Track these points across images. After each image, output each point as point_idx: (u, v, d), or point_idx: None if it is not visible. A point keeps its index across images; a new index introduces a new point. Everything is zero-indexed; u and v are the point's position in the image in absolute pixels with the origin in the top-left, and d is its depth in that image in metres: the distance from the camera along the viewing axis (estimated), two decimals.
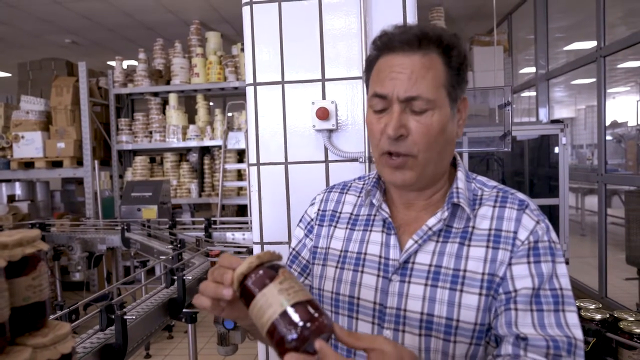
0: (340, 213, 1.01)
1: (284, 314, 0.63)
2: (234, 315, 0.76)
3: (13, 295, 0.66)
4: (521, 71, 6.75)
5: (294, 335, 0.61)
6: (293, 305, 0.63)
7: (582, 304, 1.47)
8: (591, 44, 4.43)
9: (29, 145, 5.07)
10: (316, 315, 0.63)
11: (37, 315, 0.70)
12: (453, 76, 0.87)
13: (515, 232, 0.86)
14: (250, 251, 2.76)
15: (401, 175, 0.87)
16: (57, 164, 5.16)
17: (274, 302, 0.63)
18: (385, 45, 0.88)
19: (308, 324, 0.62)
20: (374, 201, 0.95)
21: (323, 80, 1.60)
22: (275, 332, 0.63)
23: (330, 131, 1.60)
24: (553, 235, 0.87)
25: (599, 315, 1.38)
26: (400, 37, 0.86)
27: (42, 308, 0.70)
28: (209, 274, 0.72)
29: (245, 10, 1.63)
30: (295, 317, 0.62)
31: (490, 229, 0.87)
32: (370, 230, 0.95)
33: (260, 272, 0.66)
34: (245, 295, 0.67)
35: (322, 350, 0.61)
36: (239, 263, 0.68)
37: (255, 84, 1.63)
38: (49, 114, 5.28)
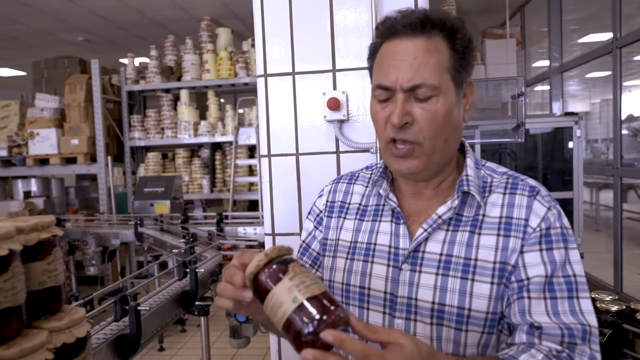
0: (349, 204, 1.01)
1: (298, 309, 0.62)
2: (251, 312, 0.76)
3: (29, 279, 0.67)
4: (534, 64, 6.66)
5: (310, 329, 0.61)
6: (307, 300, 0.62)
7: (597, 295, 1.45)
8: (606, 36, 4.34)
9: (44, 142, 5.14)
10: (331, 308, 0.63)
11: (53, 300, 0.71)
12: (458, 60, 0.85)
13: (527, 220, 0.84)
14: (261, 245, 2.77)
15: (406, 164, 0.86)
16: (71, 161, 5.23)
17: (285, 298, 0.63)
18: (388, 30, 0.87)
19: (324, 317, 0.61)
20: (380, 191, 0.95)
21: (334, 70, 1.59)
22: (291, 327, 0.63)
23: (341, 122, 1.59)
24: (565, 221, 0.86)
25: (615, 307, 1.36)
26: (402, 21, 0.85)
27: (57, 292, 0.71)
28: (223, 272, 0.73)
29: (256, 0, 1.63)
30: (310, 311, 0.62)
31: (501, 217, 0.86)
32: (380, 221, 0.94)
33: (271, 269, 0.66)
34: (259, 293, 0.67)
35: (337, 339, 0.60)
36: (251, 260, 0.68)
37: (266, 75, 1.63)
38: (63, 111, 5.34)
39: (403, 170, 0.87)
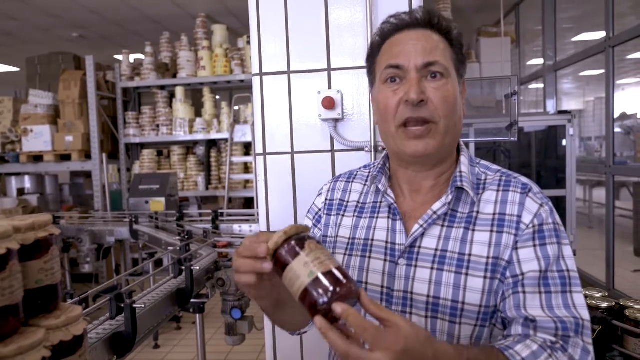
0: (347, 202, 1.03)
1: (313, 282, 0.68)
2: (260, 293, 0.79)
3: (26, 278, 0.68)
4: (529, 63, 6.69)
5: (325, 299, 0.66)
6: (322, 274, 0.68)
7: (588, 292, 1.47)
8: (599, 35, 4.38)
9: (38, 139, 5.11)
10: (344, 281, 0.68)
11: (50, 298, 0.71)
12: (457, 54, 0.91)
13: (519, 216, 0.87)
14: None
15: (423, 143, 0.88)
16: (65, 158, 5.20)
17: (302, 272, 0.69)
18: (395, 26, 0.92)
19: (337, 289, 0.67)
20: (379, 186, 0.97)
21: (329, 69, 1.60)
22: (307, 298, 0.68)
23: (336, 121, 1.60)
24: (557, 217, 0.89)
25: (605, 304, 1.38)
26: (411, 16, 0.91)
27: (54, 291, 0.72)
28: (234, 255, 0.76)
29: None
30: (324, 284, 0.67)
31: (494, 214, 0.89)
32: (377, 217, 0.97)
33: (289, 245, 0.71)
34: (278, 267, 0.73)
35: (345, 311, 0.64)
36: (269, 238, 0.73)
37: (261, 74, 1.64)
38: (57, 108, 5.31)
39: (420, 150, 0.88)
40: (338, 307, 0.65)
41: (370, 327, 0.64)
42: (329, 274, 0.68)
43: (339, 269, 0.69)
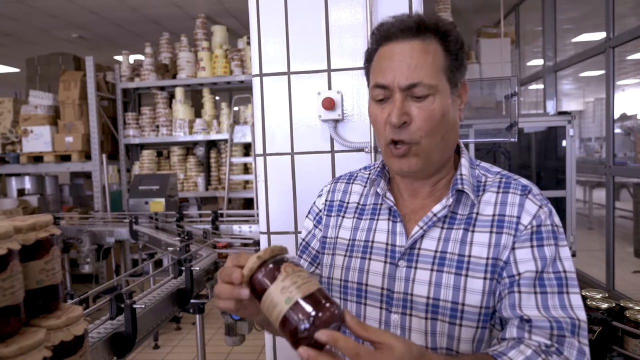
0: (348, 203, 1.03)
1: (292, 308, 0.64)
2: (250, 313, 0.77)
3: (27, 278, 0.68)
4: (529, 63, 6.70)
5: (306, 326, 0.62)
6: (300, 299, 0.64)
7: (587, 293, 1.47)
8: (600, 36, 4.39)
9: (38, 139, 5.11)
10: (326, 305, 0.64)
11: (51, 298, 0.72)
12: (452, 61, 0.88)
13: (519, 217, 0.87)
14: (256, 243, 2.78)
15: (407, 162, 0.88)
16: (65, 158, 5.20)
17: (279, 299, 0.65)
18: (384, 34, 0.90)
19: (319, 314, 0.63)
20: (378, 190, 0.97)
21: (329, 70, 1.60)
22: (287, 325, 0.64)
23: (336, 121, 1.60)
24: (556, 219, 0.89)
25: (605, 305, 1.38)
26: (398, 25, 0.88)
27: (55, 291, 0.72)
28: (218, 275, 0.74)
29: (252, 0, 1.64)
30: (303, 310, 0.63)
31: (494, 215, 0.89)
32: (377, 219, 0.97)
33: (265, 270, 0.68)
34: (255, 294, 0.69)
35: (332, 339, 0.62)
36: (247, 260, 0.70)
37: (261, 74, 1.64)
38: (57, 109, 5.31)
39: (404, 169, 0.89)
40: (323, 336, 0.62)
41: (363, 353, 0.62)
42: (308, 298, 0.64)
43: (319, 291, 0.65)
